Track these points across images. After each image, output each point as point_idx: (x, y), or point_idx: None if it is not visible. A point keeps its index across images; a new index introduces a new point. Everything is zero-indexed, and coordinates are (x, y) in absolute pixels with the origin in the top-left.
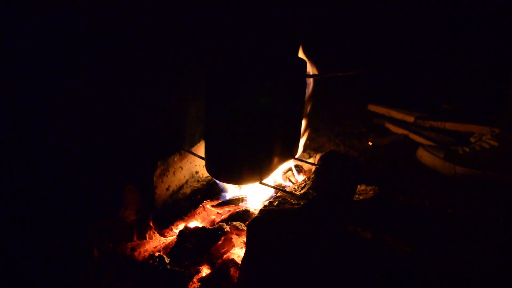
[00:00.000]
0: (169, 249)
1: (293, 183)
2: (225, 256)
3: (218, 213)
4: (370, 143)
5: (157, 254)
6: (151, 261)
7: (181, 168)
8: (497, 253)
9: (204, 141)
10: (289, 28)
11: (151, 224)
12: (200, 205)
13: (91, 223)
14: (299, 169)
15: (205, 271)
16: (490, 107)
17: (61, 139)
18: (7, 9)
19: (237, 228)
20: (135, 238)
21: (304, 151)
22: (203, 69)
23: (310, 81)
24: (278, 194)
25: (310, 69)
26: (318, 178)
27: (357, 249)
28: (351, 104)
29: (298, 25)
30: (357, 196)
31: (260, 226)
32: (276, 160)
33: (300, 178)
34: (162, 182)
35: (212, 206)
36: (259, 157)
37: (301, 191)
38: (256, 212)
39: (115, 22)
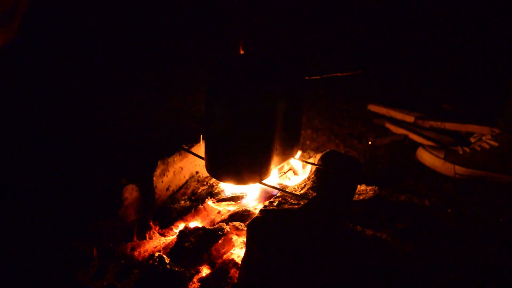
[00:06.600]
0: (169, 249)
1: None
2: (225, 256)
3: (218, 212)
4: (370, 143)
5: (157, 254)
6: (151, 261)
7: (181, 168)
8: (497, 253)
9: (204, 141)
10: (288, 28)
11: (151, 224)
12: (201, 204)
13: (91, 223)
14: (299, 169)
15: (205, 271)
16: (490, 107)
17: (61, 139)
18: None
19: (237, 228)
20: (135, 238)
21: (304, 151)
22: (204, 70)
23: None
24: (278, 194)
25: None
26: (318, 178)
27: (357, 249)
28: (351, 104)
29: (297, 26)
30: (357, 196)
31: (260, 226)
32: (276, 160)
33: (300, 178)
34: (162, 182)
35: (213, 202)
36: (259, 157)
37: (301, 191)
38: (256, 212)
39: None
